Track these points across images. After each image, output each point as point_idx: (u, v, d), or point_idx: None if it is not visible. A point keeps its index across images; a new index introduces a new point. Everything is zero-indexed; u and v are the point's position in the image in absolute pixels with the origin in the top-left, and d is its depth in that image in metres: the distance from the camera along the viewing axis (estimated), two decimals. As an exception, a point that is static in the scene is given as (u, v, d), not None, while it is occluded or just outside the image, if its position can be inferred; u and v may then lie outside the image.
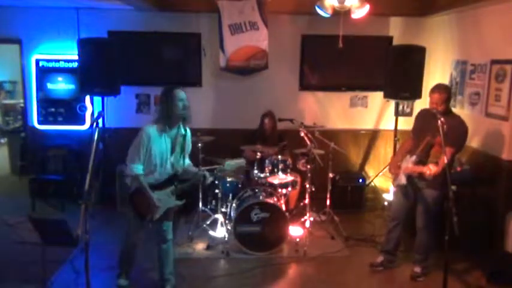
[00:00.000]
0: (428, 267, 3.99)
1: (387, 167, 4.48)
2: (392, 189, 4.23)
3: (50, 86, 5.86)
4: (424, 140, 3.79)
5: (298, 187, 5.20)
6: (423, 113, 4.05)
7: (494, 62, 4.53)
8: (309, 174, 4.73)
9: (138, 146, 3.23)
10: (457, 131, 3.63)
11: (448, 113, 3.72)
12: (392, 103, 5.87)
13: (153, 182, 3.34)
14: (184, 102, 3.33)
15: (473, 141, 4.89)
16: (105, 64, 5.07)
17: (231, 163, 3.77)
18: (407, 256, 4.23)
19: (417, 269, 3.99)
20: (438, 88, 3.78)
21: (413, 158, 3.82)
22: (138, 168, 3.26)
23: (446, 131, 3.33)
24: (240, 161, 3.70)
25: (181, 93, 3.35)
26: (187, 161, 3.62)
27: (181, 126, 3.45)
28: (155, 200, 3.29)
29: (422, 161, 3.77)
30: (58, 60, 5.83)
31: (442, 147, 3.27)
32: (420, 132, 3.90)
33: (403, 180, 3.89)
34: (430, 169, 3.49)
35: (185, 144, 3.51)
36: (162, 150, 3.32)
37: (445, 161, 3.32)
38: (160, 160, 3.33)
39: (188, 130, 3.55)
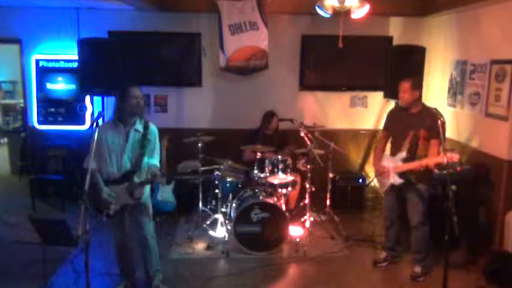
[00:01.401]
0: (428, 266, 3.99)
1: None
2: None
3: (50, 86, 5.86)
4: (408, 137, 3.83)
5: (298, 187, 5.20)
6: (396, 112, 4.12)
7: (494, 62, 4.52)
8: (309, 174, 4.73)
9: (92, 143, 3.21)
10: (437, 123, 3.59)
11: (422, 106, 3.86)
12: (392, 103, 5.87)
13: (106, 177, 3.34)
14: (137, 100, 3.32)
15: (473, 141, 4.89)
16: (105, 64, 5.06)
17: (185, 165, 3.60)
18: (407, 255, 4.23)
19: (417, 269, 3.99)
20: (405, 78, 3.89)
21: (402, 155, 3.84)
22: (87, 162, 3.27)
23: (428, 125, 3.59)
24: (195, 164, 3.54)
25: (135, 91, 3.33)
26: (152, 161, 3.45)
27: (139, 122, 3.40)
28: (103, 193, 3.28)
29: (412, 157, 3.80)
30: (58, 60, 5.84)
31: (442, 145, 3.30)
32: (401, 131, 3.92)
33: (397, 180, 3.87)
34: (442, 159, 3.44)
35: (145, 141, 3.38)
36: (114, 147, 3.34)
37: (443, 160, 3.36)
38: (114, 156, 3.34)
39: (152, 128, 3.45)
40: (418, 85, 3.86)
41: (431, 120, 3.64)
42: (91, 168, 3.24)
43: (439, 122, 3.33)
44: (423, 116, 3.77)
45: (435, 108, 3.74)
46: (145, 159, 3.41)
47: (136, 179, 3.36)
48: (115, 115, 3.39)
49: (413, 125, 3.80)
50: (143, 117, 3.43)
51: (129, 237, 3.59)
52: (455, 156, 3.40)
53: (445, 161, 3.41)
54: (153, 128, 3.48)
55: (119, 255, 3.63)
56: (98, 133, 3.26)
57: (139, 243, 3.59)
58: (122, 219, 3.50)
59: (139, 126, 3.39)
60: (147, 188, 3.50)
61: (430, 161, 3.65)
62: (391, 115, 4.16)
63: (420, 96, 3.87)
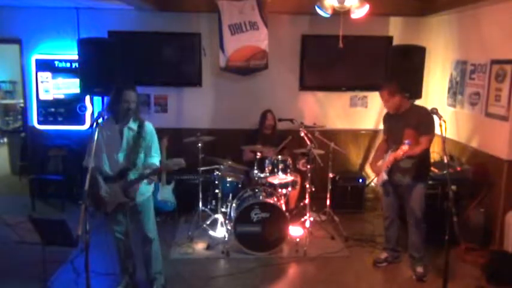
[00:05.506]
0: (427, 266, 4.00)
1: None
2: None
3: (49, 86, 5.83)
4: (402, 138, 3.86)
5: (298, 187, 5.19)
6: (389, 115, 4.12)
7: (494, 62, 4.53)
8: (309, 174, 4.73)
9: (91, 142, 3.18)
10: (428, 120, 3.77)
11: (411, 105, 3.96)
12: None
13: (104, 174, 3.35)
14: (129, 105, 3.30)
15: (473, 141, 4.89)
16: (105, 64, 5.06)
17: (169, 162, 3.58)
18: (405, 255, 4.22)
19: (420, 269, 3.98)
20: (381, 87, 3.93)
21: (390, 152, 3.89)
22: (87, 161, 3.27)
23: (418, 123, 3.72)
24: (179, 161, 3.51)
25: (128, 95, 3.30)
26: (151, 159, 3.43)
27: (132, 121, 3.38)
28: (102, 191, 3.29)
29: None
30: (58, 60, 5.81)
31: (443, 144, 3.29)
32: (394, 133, 3.95)
33: (385, 176, 3.92)
34: (403, 149, 3.58)
35: (140, 139, 3.37)
36: (109, 143, 3.34)
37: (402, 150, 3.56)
38: (109, 153, 3.34)
39: (147, 126, 3.43)
40: (395, 90, 3.86)
41: (417, 118, 3.78)
42: (91, 166, 3.23)
43: (429, 117, 3.55)
44: (410, 115, 3.85)
45: (424, 108, 3.84)
46: (142, 157, 3.40)
47: (131, 177, 3.35)
48: (110, 113, 3.39)
49: (402, 125, 3.84)
50: (137, 117, 3.40)
51: (130, 238, 3.59)
52: (405, 148, 3.56)
53: (400, 153, 3.60)
54: (149, 126, 3.45)
55: (118, 255, 3.63)
56: (94, 132, 3.25)
57: (141, 244, 3.59)
58: (119, 219, 3.49)
59: (133, 125, 3.38)
60: (146, 187, 3.46)
61: (392, 156, 3.76)
62: (385, 119, 4.20)
63: (402, 99, 3.88)
